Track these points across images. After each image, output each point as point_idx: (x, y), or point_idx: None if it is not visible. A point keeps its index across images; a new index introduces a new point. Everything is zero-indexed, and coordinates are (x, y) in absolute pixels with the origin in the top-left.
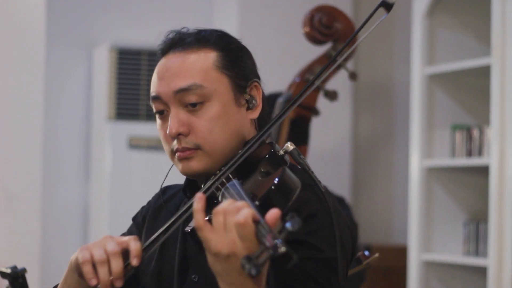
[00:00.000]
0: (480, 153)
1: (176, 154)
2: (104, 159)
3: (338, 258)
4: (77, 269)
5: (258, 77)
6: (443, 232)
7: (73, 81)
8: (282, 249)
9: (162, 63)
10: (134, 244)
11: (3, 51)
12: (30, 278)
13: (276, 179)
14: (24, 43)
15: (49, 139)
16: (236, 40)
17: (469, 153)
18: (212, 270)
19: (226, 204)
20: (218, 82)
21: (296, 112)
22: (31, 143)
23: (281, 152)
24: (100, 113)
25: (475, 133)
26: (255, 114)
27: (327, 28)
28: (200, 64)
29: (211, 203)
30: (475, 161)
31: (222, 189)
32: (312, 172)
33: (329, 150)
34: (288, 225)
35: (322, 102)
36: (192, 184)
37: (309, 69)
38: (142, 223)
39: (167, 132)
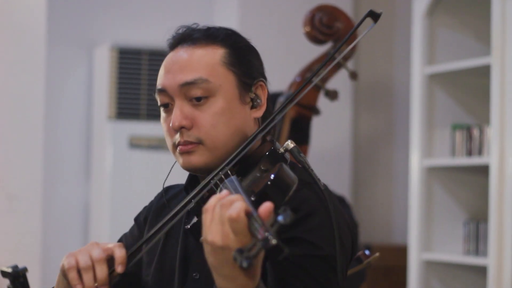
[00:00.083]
0: (480, 152)
1: (178, 148)
2: (105, 158)
3: (337, 256)
4: (64, 275)
5: (265, 78)
6: (443, 231)
7: (74, 80)
8: (273, 241)
9: (170, 56)
10: (119, 251)
11: (3, 51)
12: (31, 277)
13: (273, 175)
14: (24, 43)
15: (50, 139)
16: (244, 39)
17: (469, 153)
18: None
19: (220, 196)
20: (224, 78)
21: (296, 111)
22: (32, 142)
23: (281, 150)
24: (100, 113)
25: (475, 132)
26: (259, 113)
27: (328, 28)
28: (207, 59)
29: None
30: (475, 160)
31: (221, 185)
32: (312, 170)
33: (329, 150)
34: (280, 218)
35: (322, 102)
36: (194, 181)
37: (309, 68)
38: (143, 224)
39: (170, 124)
